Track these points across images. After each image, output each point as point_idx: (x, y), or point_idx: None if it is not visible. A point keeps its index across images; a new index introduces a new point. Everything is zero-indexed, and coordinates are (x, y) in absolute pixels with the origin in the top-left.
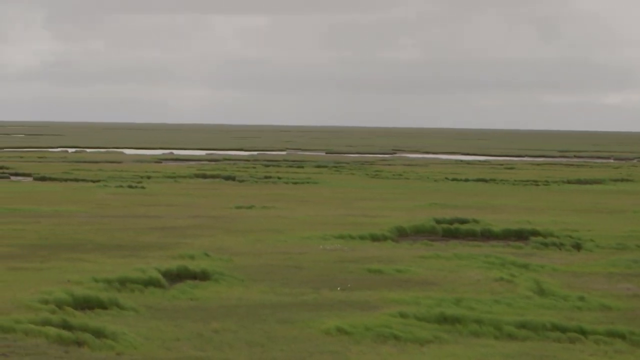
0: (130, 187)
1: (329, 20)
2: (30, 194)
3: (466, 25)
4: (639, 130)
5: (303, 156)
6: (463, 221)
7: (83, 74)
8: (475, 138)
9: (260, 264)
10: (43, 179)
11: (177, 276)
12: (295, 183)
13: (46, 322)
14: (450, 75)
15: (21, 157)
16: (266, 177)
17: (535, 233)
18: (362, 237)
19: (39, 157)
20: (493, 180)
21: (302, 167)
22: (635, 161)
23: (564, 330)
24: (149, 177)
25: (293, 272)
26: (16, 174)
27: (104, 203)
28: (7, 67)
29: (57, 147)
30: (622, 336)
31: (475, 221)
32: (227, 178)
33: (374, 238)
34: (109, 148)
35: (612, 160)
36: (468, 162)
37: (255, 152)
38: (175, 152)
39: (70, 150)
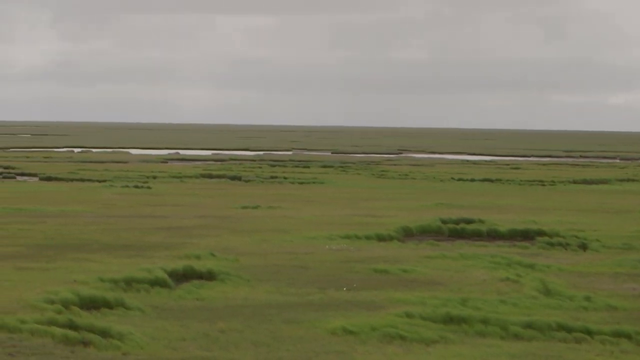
0: (136, 187)
1: (334, 20)
2: (36, 194)
3: (472, 25)
4: None
5: (309, 156)
6: (469, 221)
7: (89, 74)
8: (481, 138)
9: (266, 264)
10: (49, 179)
11: (183, 276)
12: (302, 183)
13: (52, 322)
14: (456, 75)
15: (27, 157)
16: (272, 177)
17: (541, 233)
18: (368, 237)
19: (45, 157)
20: (499, 180)
21: (308, 167)
22: None
23: (570, 330)
24: (154, 177)
25: (299, 272)
26: (22, 174)
27: (110, 203)
28: (12, 67)
29: (63, 147)
30: (628, 336)
31: (481, 221)
32: (233, 178)
33: (380, 238)
34: (115, 148)
35: (618, 161)
36: (474, 162)
37: (261, 152)
38: (181, 152)
39: (76, 150)
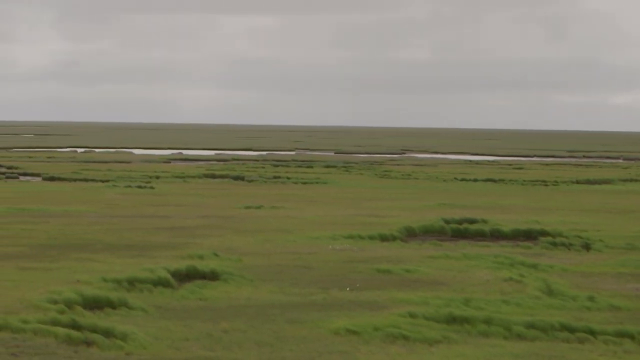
0: (139, 187)
1: (337, 20)
2: (39, 194)
3: (475, 25)
4: None
5: (312, 156)
6: (472, 221)
7: (92, 74)
8: (484, 138)
9: (269, 264)
10: (52, 179)
11: (186, 276)
12: (304, 183)
13: (55, 322)
14: (459, 75)
15: (30, 157)
16: (275, 177)
17: (544, 233)
18: (371, 237)
19: (48, 157)
20: (502, 180)
21: (311, 167)
22: None
23: (573, 330)
24: (157, 177)
25: (302, 272)
26: (25, 174)
27: (113, 203)
28: (16, 67)
29: (66, 147)
30: (631, 336)
31: (484, 221)
32: (236, 178)
33: (383, 238)
34: (118, 148)
35: (621, 161)
36: (477, 162)
37: (264, 152)
38: (184, 152)
39: (79, 150)
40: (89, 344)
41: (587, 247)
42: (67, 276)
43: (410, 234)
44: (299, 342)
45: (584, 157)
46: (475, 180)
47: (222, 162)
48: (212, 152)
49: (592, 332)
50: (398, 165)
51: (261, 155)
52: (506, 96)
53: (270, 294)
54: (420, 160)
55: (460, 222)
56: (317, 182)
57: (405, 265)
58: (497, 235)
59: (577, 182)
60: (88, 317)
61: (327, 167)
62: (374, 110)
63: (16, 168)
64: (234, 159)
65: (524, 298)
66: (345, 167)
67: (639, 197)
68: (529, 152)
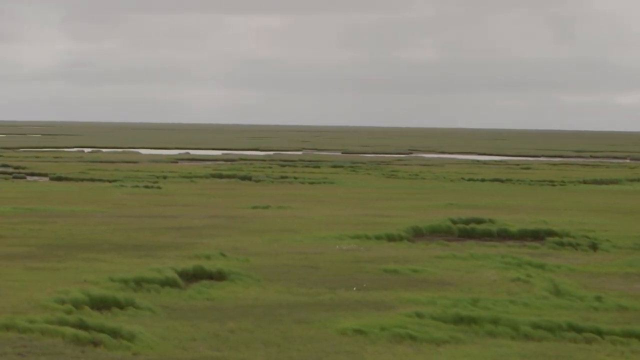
0: (146, 187)
1: (344, 20)
2: (46, 194)
3: (482, 25)
4: None
5: (319, 156)
6: (479, 221)
7: (99, 74)
8: (491, 138)
9: (276, 264)
10: (59, 179)
11: (193, 276)
12: (312, 183)
13: (62, 322)
14: (466, 75)
15: (37, 157)
16: (282, 177)
17: (551, 233)
18: (378, 237)
19: (55, 157)
20: (509, 180)
21: (319, 167)
22: None
23: (580, 330)
24: (165, 177)
25: (309, 272)
26: (32, 174)
27: (120, 203)
28: (23, 67)
29: (74, 147)
30: (638, 337)
31: (492, 221)
32: (243, 178)
33: (390, 238)
34: (125, 148)
35: (628, 161)
36: (484, 162)
37: (271, 152)
38: (191, 152)
39: (86, 150)
40: (96, 344)
41: (594, 247)
42: (75, 276)
43: (418, 234)
44: (306, 342)
45: (591, 157)
46: (483, 180)
47: (229, 162)
48: (219, 152)
49: (600, 332)
50: (405, 165)
51: (268, 155)
52: (512, 96)
53: (278, 294)
54: (427, 161)
55: (467, 222)
56: (324, 182)
57: (413, 265)
58: (504, 236)
59: (585, 182)
60: (95, 317)
61: (334, 167)
62: (382, 110)
63: (23, 168)
64: (241, 159)
65: (531, 298)
66: (352, 167)
67: None
68: (536, 152)
